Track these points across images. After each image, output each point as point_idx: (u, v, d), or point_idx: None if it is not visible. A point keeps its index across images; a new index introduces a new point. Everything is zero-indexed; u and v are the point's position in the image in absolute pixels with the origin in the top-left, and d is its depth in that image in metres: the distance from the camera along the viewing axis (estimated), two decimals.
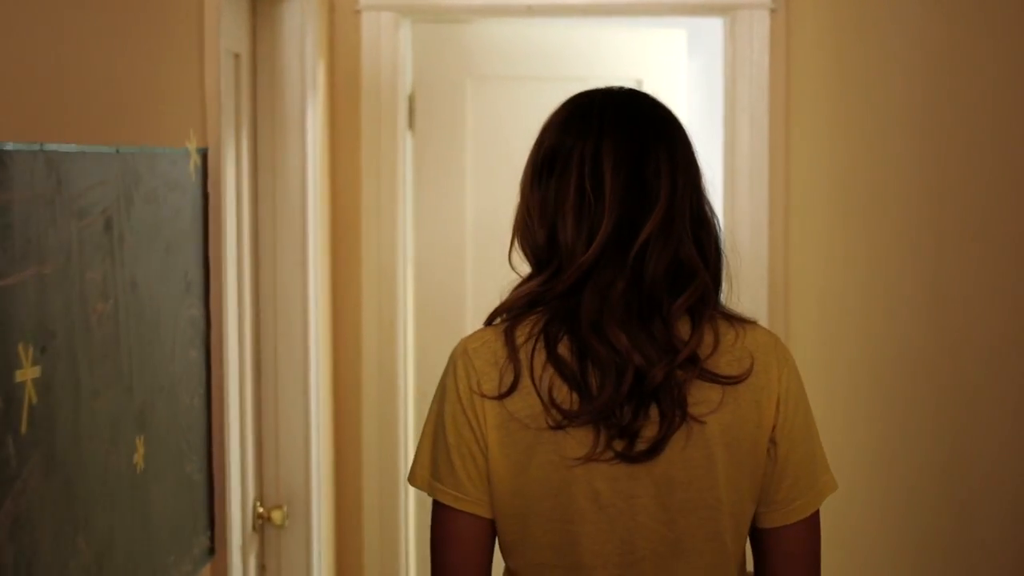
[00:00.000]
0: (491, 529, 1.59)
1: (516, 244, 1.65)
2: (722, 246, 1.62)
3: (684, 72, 3.94)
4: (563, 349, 1.53)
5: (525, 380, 1.52)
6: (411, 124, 3.64)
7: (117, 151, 1.78)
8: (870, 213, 2.74)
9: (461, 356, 1.58)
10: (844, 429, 2.88)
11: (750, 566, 1.68)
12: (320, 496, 3.09)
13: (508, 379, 1.53)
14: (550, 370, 1.52)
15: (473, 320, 3.67)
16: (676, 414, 1.50)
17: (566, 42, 3.79)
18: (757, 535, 1.63)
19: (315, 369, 3.06)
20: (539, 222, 1.59)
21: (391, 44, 3.40)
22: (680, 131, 1.62)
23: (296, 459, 3.01)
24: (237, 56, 2.84)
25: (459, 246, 3.74)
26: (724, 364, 1.54)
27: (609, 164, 1.54)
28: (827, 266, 3.08)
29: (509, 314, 1.59)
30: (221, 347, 2.25)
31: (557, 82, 3.73)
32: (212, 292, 2.22)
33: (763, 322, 3.07)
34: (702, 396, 1.52)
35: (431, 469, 1.59)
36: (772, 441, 1.57)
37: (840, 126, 3.00)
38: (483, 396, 1.54)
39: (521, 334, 1.55)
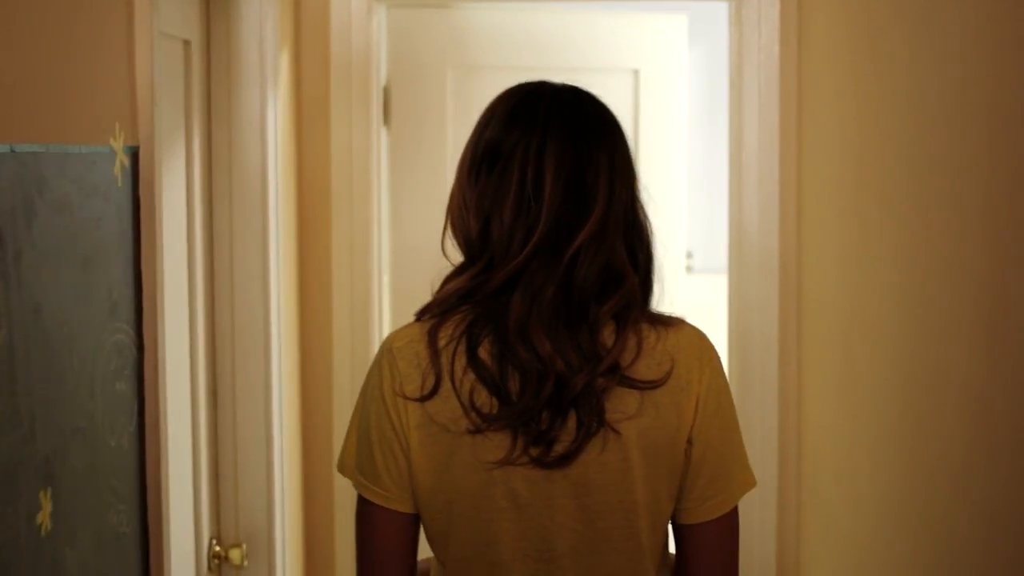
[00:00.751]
0: (413, 523, 1.63)
1: (449, 232, 1.67)
2: (653, 249, 1.63)
3: (684, 61, 3.67)
4: (484, 352, 1.55)
5: (446, 383, 1.54)
6: (386, 119, 3.34)
7: (11, 150, 1.48)
8: (889, 211, 2.57)
9: (387, 354, 1.60)
10: (860, 431, 2.73)
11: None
12: (284, 532, 2.79)
13: (429, 382, 1.55)
14: (470, 374, 1.54)
15: None
16: (593, 422, 1.53)
17: (557, 29, 3.50)
18: (677, 531, 1.65)
19: (278, 392, 2.76)
20: (474, 214, 1.60)
21: (364, 31, 3.10)
22: (621, 135, 1.64)
23: (257, 492, 2.71)
24: (187, 43, 2.54)
25: (440, 252, 3.43)
26: (643, 369, 1.55)
27: (551, 165, 1.55)
28: (842, 269, 2.87)
29: (438, 309, 1.59)
30: (157, 375, 1.94)
31: (547, 72, 3.42)
32: (146, 312, 1.92)
33: (774, 329, 2.95)
34: (621, 403, 1.54)
35: (356, 460, 1.62)
36: (689, 441, 1.59)
37: (857, 118, 2.78)
38: (405, 398, 1.56)
39: (444, 335, 1.56)
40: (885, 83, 2.61)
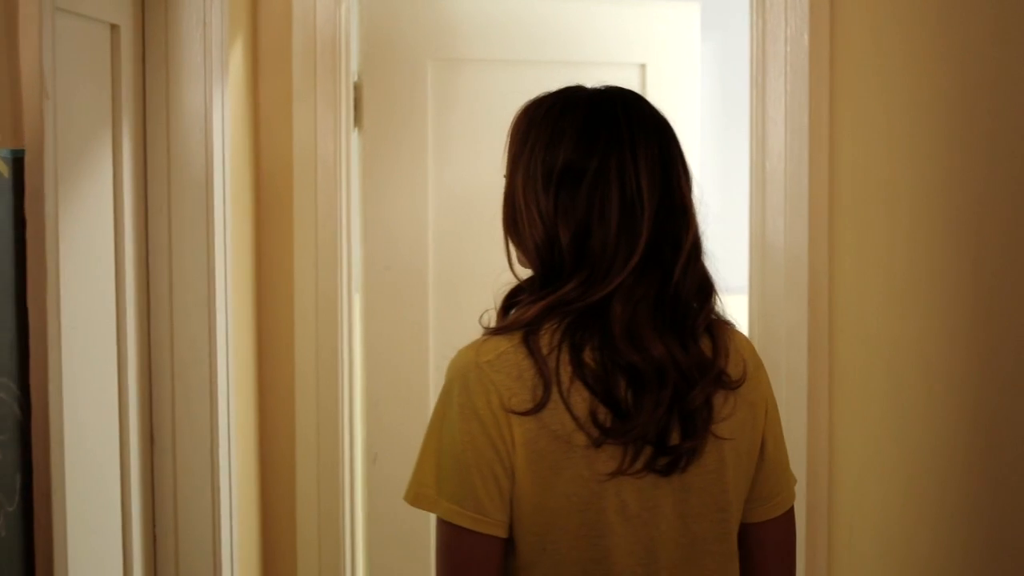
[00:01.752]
0: (504, 550, 1.54)
1: (515, 245, 1.60)
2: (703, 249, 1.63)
3: (696, 55, 3.29)
4: (589, 359, 1.50)
5: (554, 394, 1.49)
6: (357, 119, 2.95)
7: None
8: (934, 224, 2.34)
9: (474, 370, 1.50)
10: (908, 482, 2.47)
11: None
12: None
13: (538, 393, 1.49)
14: (578, 382, 1.49)
15: (438, 361, 2.98)
16: (704, 429, 1.53)
17: (553, 18, 3.12)
18: (743, 530, 1.66)
19: (227, 435, 2.37)
20: (564, 227, 1.54)
21: (331, 19, 2.71)
22: (678, 139, 1.63)
23: (201, 555, 2.32)
24: (115, 28, 2.15)
25: (419, 270, 3.03)
26: (731, 370, 1.58)
27: (646, 180, 1.54)
28: (883, 289, 2.56)
29: (525, 322, 1.52)
30: (49, 439, 1.55)
31: (542, 67, 3.07)
32: (33, 361, 1.53)
33: (802, 359, 2.69)
34: (721, 406, 1.56)
35: (439, 488, 1.51)
36: (762, 439, 1.63)
37: (898, 117, 2.48)
38: (509, 412, 1.48)
39: (543, 344, 1.50)
40: (930, 77, 2.34)
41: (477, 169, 3.03)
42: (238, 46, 2.53)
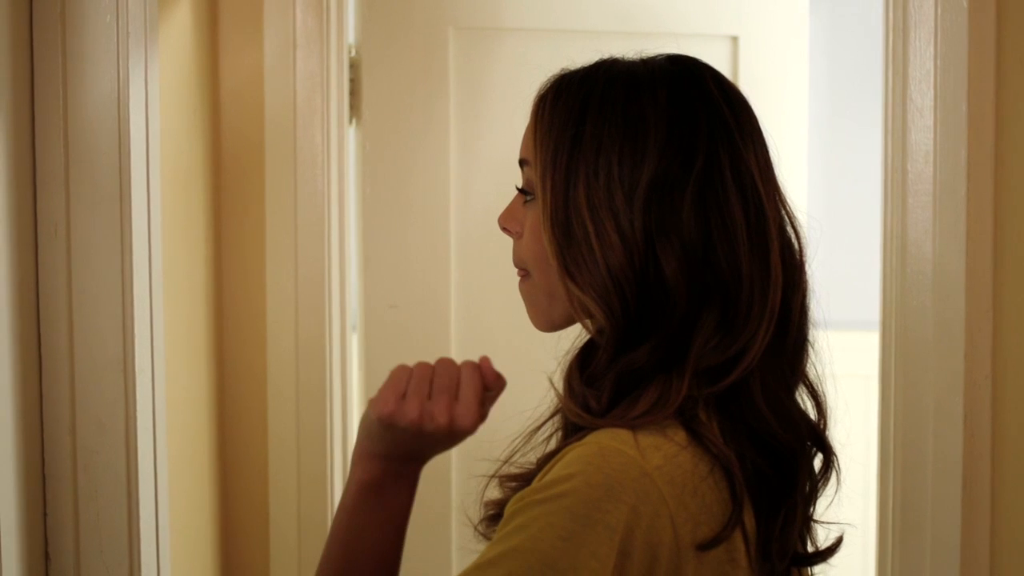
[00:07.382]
0: None
1: (567, 281, 1.20)
2: None
3: (804, 25, 2.67)
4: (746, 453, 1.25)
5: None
6: (355, 109, 2.31)
7: None
8: None
9: (643, 481, 1.11)
10: None
11: None
12: None
13: (725, 515, 1.18)
14: (746, 497, 1.22)
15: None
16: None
17: None
18: None
19: (155, 555, 1.72)
20: (664, 249, 1.17)
21: None
22: None
23: None
24: None
25: (439, 308, 2.36)
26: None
27: (758, 173, 1.22)
28: None
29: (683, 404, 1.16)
30: None
31: (599, 39, 2.42)
32: None
33: (959, 397, 2.09)
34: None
35: None
36: None
37: None
38: (696, 547, 1.17)
39: (715, 439, 1.20)
40: None
41: (518, 174, 2.38)
42: (182, 10, 1.86)
